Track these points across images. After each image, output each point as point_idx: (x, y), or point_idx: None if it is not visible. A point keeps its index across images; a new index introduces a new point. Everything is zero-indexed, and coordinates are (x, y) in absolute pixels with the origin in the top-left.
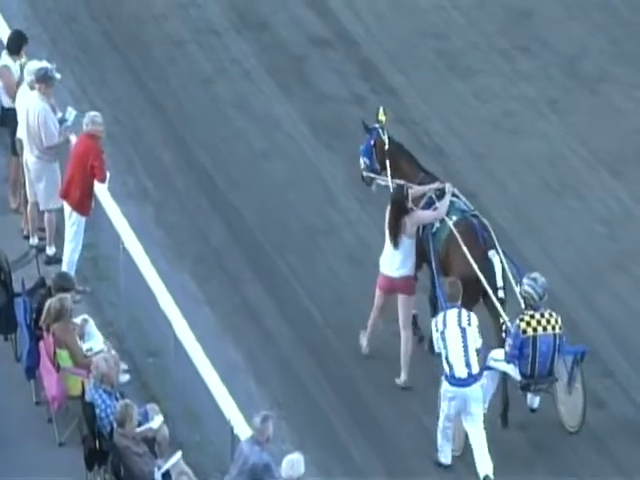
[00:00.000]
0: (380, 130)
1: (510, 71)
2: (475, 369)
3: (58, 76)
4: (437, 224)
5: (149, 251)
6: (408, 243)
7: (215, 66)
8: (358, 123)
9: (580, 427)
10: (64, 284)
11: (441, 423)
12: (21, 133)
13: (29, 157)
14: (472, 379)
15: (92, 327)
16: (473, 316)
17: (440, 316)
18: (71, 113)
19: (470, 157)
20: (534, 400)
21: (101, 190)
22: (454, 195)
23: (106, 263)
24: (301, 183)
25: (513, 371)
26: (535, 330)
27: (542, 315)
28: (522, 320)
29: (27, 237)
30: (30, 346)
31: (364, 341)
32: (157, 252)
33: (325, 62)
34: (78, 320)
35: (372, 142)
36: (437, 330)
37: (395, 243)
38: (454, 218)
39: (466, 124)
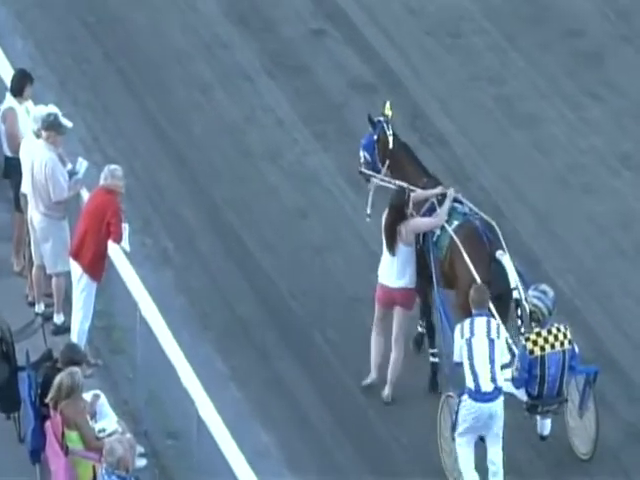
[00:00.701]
0: (385, 125)
1: (576, 120)
2: (500, 383)
3: (69, 124)
4: (438, 231)
5: (169, 321)
6: (406, 251)
7: (244, 113)
8: None
9: (593, 454)
10: (73, 356)
11: (461, 449)
12: (26, 187)
13: (34, 214)
14: (497, 392)
15: (104, 405)
16: (502, 328)
17: (467, 322)
18: (82, 164)
19: (531, 217)
20: (544, 426)
21: (115, 251)
22: (458, 201)
23: (121, 333)
24: (340, 245)
25: (519, 392)
26: (543, 349)
27: (549, 332)
28: (528, 340)
29: (32, 304)
30: (35, 426)
31: (368, 379)
32: (178, 322)
33: (367, 108)
34: (89, 396)
35: (375, 137)
36: (462, 336)
37: (392, 250)
38: (455, 223)
39: (526, 179)
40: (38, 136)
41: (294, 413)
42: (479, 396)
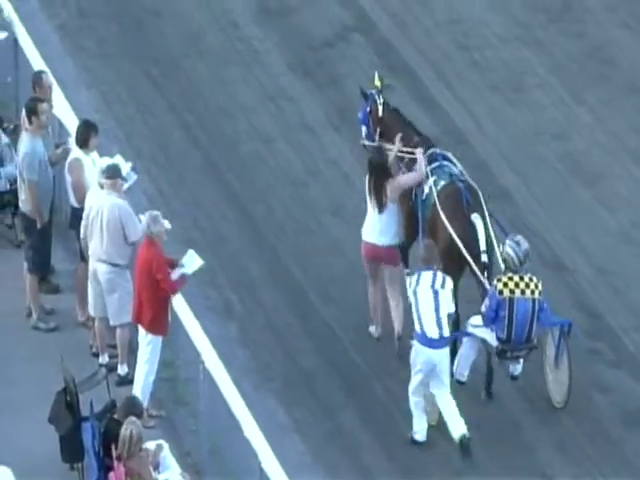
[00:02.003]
0: (376, 95)
1: None
2: (446, 332)
3: (134, 176)
4: (427, 190)
5: (232, 372)
6: (392, 208)
7: (309, 167)
8: None
9: (566, 403)
10: (133, 410)
11: (412, 391)
12: (90, 238)
13: (99, 265)
14: (443, 341)
15: (168, 456)
16: (448, 280)
17: (415, 276)
18: (130, 175)
19: (596, 274)
20: (515, 367)
21: (179, 303)
22: (448, 160)
23: (184, 385)
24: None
25: (490, 337)
26: (512, 292)
27: (521, 278)
28: (499, 281)
29: (96, 354)
30: (98, 477)
31: (373, 327)
32: (241, 373)
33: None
34: (152, 446)
35: (368, 109)
36: (410, 287)
37: (380, 209)
38: (442, 183)
39: (591, 235)
40: (102, 187)
41: (356, 465)
42: (425, 341)
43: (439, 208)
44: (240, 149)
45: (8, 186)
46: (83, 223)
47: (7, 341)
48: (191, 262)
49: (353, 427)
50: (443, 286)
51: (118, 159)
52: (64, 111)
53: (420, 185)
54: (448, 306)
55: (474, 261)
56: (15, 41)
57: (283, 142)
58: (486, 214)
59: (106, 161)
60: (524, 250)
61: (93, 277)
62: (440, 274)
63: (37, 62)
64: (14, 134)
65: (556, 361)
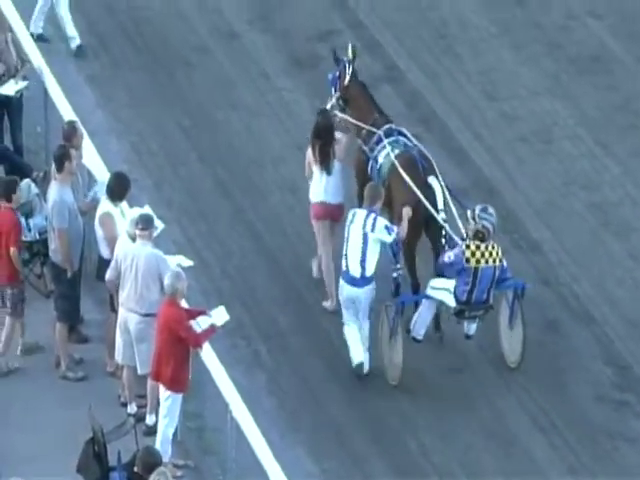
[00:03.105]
0: (347, 64)
1: None
2: (369, 272)
3: (162, 225)
4: (381, 160)
5: (260, 422)
6: (340, 168)
7: None
8: None
9: (520, 363)
10: (150, 459)
11: (344, 322)
12: (121, 288)
13: (130, 315)
14: (364, 280)
15: None
16: (379, 222)
17: (351, 212)
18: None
19: (626, 326)
20: (470, 327)
21: (208, 354)
22: (403, 135)
23: (212, 435)
24: (421, 350)
25: (449, 299)
26: (478, 262)
27: (486, 247)
28: (468, 248)
29: (124, 404)
30: None
31: (327, 302)
32: (269, 423)
33: (461, 213)
34: None
35: (337, 74)
36: (347, 223)
37: (328, 170)
38: (396, 151)
39: (620, 287)
40: (133, 238)
41: None
42: (348, 278)
43: (400, 172)
44: (270, 199)
45: (37, 236)
46: (111, 272)
47: (36, 390)
48: (220, 315)
49: (382, 478)
50: (373, 229)
51: (147, 209)
52: (94, 161)
53: (375, 157)
54: (377, 247)
55: (429, 223)
56: (45, 91)
57: None
58: (439, 177)
59: (136, 212)
60: (495, 218)
61: (123, 326)
62: (373, 216)
63: (67, 112)
64: (44, 182)
65: (510, 323)
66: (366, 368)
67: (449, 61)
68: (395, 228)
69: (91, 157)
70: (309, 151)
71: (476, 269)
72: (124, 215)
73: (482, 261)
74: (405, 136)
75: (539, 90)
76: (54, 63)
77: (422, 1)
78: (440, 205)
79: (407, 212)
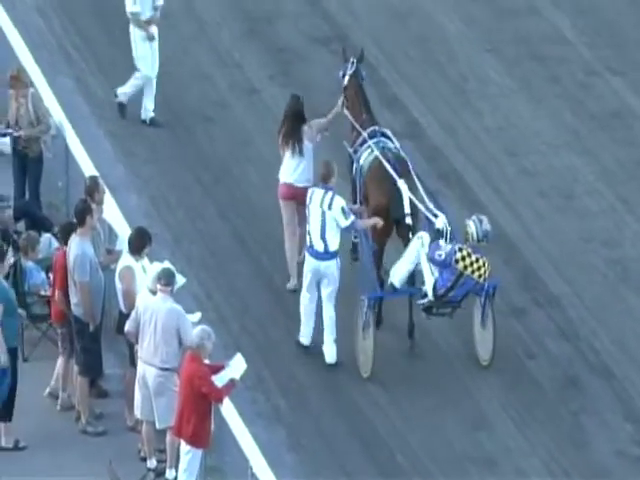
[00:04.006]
0: (351, 64)
1: None
2: (332, 247)
3: (182, 280)
4: (361, 161)
5: (280, 477)
6: (310, 148)
7: (356, 271)
8: (517, 339)
9: (491, 361)
10: None
11: (302, 297)
12: (140, 342)
13: (149, 369)
14: (328, 255)
15: None
16: (336, 200)
17: (310, 191)
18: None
19: None
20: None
21: (228, 409)
22: (387, 137)
23: None
24: (449, 395)
25: (429, 283)
26: (465, 268)
27: (477, 260)
28: (460, 250)
29: (144, 459)
30: None
31: (290, 282)
32: (289, 479)
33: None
34: None
35: (341, 73)
36: (307, 200)
37: (300, 152)
38: (374, 154)
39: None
40: (154, 293)
41: None
42: (312, 252)
43: (368, 176)
44: None
45: None
46: (131, 323)
47: (56, 445)
48: (238, 365)
49: None
50: (330, 207)
51: (167, 264)
52: (114, 216)
53: (357, 158)
54: (337, 224)
55: (400, 223)
56: (66, 146)
57: None
58: (415, 181)
59: (157, 267)
60: (484, 230)
61: (142, 380)
62: (330, 194)
63: (88, 167)
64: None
65: (482, 322)
66: (333, 359)
67: (469, 116)
68: (352, 216)
69: (111, 212)
70: (280, 136)
71: (461, 274)
72: (145, 270)
73: (469, 270)
74: (389, 138)
75: (559, 145)
76: (75, 118)
77: (442, 57)
78: (407, 209)
79: (376, 221)
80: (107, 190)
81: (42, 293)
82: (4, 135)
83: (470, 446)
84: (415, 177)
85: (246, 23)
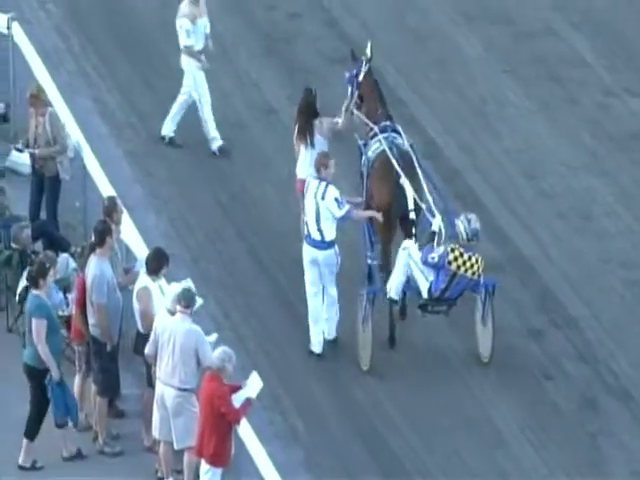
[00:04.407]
0: (363, 62)
1: None
2: (328, 237)
3: (200, 301)
4: (370, 155)
5: None
6: (322, 142)
7: None
8: (535, 361)
9: (490, 358)
10: None
11: (307, 292)
12: (159, 362)
13: (167, 390)
14: (324, 244)
15: None
16: (330, 191)
17: (307, 181)
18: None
19: None
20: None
21: (245, 429)
22: (397, 132)
23: None
24: (466, 416)
25: (423, 286)
26: (459, 268)
27: (470, 258)
28: (453, 251)
29: (161, 479)
30: None
31: None
32: None
33: (498, 290)
34: None
35: (354, 72)
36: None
37: (312, 144)
38: (380, 149)
39: None
40: (173, 313)
41: None
42: (310, 240)
43: (373, 171)
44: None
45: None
46: (150, 346)
47: (73, 465)
48: (254, 384)
49: None
50: (323, 197)
51: (189, 283)
52: (132, 236)
53: (367, 152)
54: (331, 214)
55: (404, 219)
56: (84, 166)
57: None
58: (419, 177)
59: (176, 287)
60: (473, 229)
61: (160, 401)
62: (323, 185)
63: (105, 187)
64: (82, 257)
65: (483, 319)
66: (332, 335)
67: (487, 138)
68: (347, 206)
69: (129, 232)
70: (295, 131)
71: (455, 274)
72: (162, 290)
73: (462, 269)
74: (399, 134)
75: (577, 167)
76: (93, 138)
77: (460, 78)
78: (410, 205)
79: (374, 213)
80: (125, 210)
81: (59, 313)
82: (19, 151)
83: (486, 465)
84: (420, 173)
85: (264, 43)
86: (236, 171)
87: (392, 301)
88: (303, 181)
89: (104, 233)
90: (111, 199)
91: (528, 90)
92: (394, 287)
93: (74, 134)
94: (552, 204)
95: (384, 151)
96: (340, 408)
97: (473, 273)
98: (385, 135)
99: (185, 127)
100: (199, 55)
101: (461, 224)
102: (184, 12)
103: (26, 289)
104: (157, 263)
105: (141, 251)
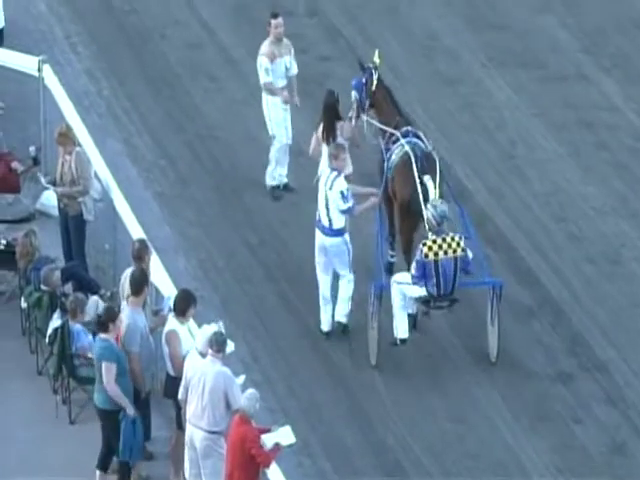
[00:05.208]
0: (373, 70)
1: None
2: (336, 225)
3: (232, 345)
4: (393, 157)
5: None
6: (344, 143)
7: None
8: (564, 404)
9: (497, 358)
10: None
11: (319, 279)
12: (188, 404)
13: (196, 432)
14: (332, 232)
15: None
16: (337, 183)
17: (320, 170)
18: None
19: None
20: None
21: (274, 471)
22: (418, 137)
23: None
24: (495, 457)
25: (419, 292)
26: (437, 255)
27: (444, 240)
28: (424, 245)
29: None
30: None
31: None
32: None
33: (528, 333)
34: None
35: (364, 80)
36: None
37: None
38: (404, 150)
39: None
40: (204, 355)
41: None
42: (320, 225)
43: (396, 172)
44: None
45: None
46: (182, 388)
47: None
48: (286, 435)
49: None
50: (331, 188)
51: (220, 326)
52: (161, 278)
53: (389, 151)
54: (337, 205)
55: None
56: (113, 208)
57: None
58: (437, 178)
59: (208, 329)
60: (440, 212)
61: (190, 443)
62: (333, 175)
63: (135, 229)
64: (111, 301)
65: (491, 320)
66: (344, 318)
67: (517, 181)
68: (350, 202)
69: (158, 274)
70: (318, 130)
71: (436, 262)
72: (191, 332)
73: (440, 253)
74: (419, 138)
75: (607, 211)
76: (122, 180)
77: (490, 122)
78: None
79: (373, 202)
80: (154, 252)
81: (89, 355)
82: (46, 187)
83: None
84: (438, 176)
85: (296, 85)
86: (265, 213)
87: (402, 341)
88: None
89: (142, 283)
90: (141, 241)
91: (558, 134)
92: (399, 327)
93: (103, 176)
94: (582, 248)
95: (411, 149)
96: (369, 451)
97: (454, 251)
98: (407, 139)
99: (213, 169)
100: (280, 91)
101: (428, 212)
102: (263, 51)
103: (55, 331)
104: (185, 304)
105: (170, 293)
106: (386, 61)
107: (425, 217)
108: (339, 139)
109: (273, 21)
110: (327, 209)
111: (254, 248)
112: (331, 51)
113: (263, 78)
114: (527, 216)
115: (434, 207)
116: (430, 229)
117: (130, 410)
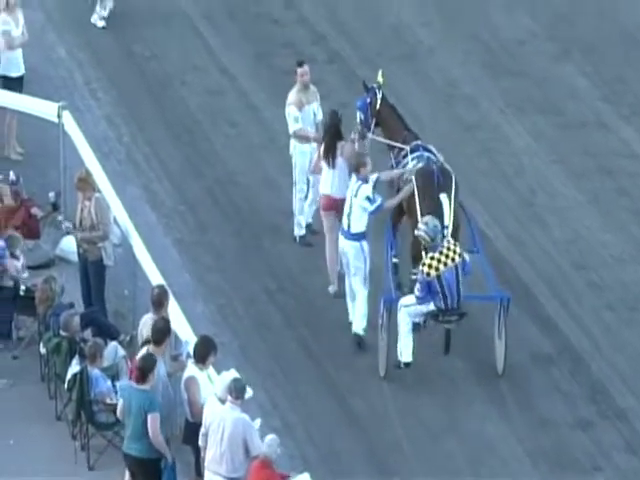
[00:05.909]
0: (377, 90)
1: None
2: (354, 229)
3: (250, 392)
4: (407, 173)
5: None
6: (343, 165)
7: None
8: (584, 452)
9: (504, 371)
10: None
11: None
12: (207, 450)
13: (215, 478)
14: (350, 235)
15: None
16: (362, 189)
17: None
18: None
19: None
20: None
21: None
22: (429, 151)
23: None
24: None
25: (427, 309)
26: (437, 269)
27: (441, 253)
28: (424, 265)
29: None
30: None
31: (331, 287)
32: None
33: (548, 380)
34: None
35: (368, 100)
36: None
37: (333, 164)
38: (419, 165)
39: None
40: (223, 402)
41: None
42: (342, 231)
43: (413, 186)
44: (354, 362)
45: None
46: (202, 435)
47: None
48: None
49: None
50: (356, 195)
51: (233, 373)
52: (180, 323)
53: (399, 164)
54: (360, 211)
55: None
56: (133, 254)
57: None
58: (452, 193)
59: (227, 376)
60: (432, 227)
61: None
62: (359, 184)
63: (154, 275)
64: (130, 346)
65: (499, 333)
66: (360, 330)
67: (536, 229)
68: (379, 200)
69: (177, 320)
70: (320, 148)
71: (439, 277)
72: (211, 379)
73: (441, 267)
74: (430, 152)
75: (626, 259)
76: (141, 226)
77: (509, 169)
78: (446, 221)
79: (406, 191)
80: (173, 298)
81: (107, 401)
82: (65, 234)
83: None
84: (453, 192)
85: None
86: (284, 259)
87: (407, 365)
88: (326, 197)
89: (165, 333)
90: (161, 287)
91: (577, 181)
92: (404, 351)
93: (123, 221)
94: (601, 295)
95: (426, 165)
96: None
97: (453, 260)
98: (419, 153)
99: (232, 214)
100: (312, 134)
101: (420, 230)
102: (291, 100)
103: (74, 377)
104: (205, 351)
105: (189, 338)
106: (405, 106)
107: (418, 236)
108: (339, 158)
109: (299, 69)
110: (349, 215)
111: (273, 294)
112: (351, 97)
113: (292, 127)
114: (547, 263)
115: (425, 224)
116: (425, 246)
117: (169, 457)
